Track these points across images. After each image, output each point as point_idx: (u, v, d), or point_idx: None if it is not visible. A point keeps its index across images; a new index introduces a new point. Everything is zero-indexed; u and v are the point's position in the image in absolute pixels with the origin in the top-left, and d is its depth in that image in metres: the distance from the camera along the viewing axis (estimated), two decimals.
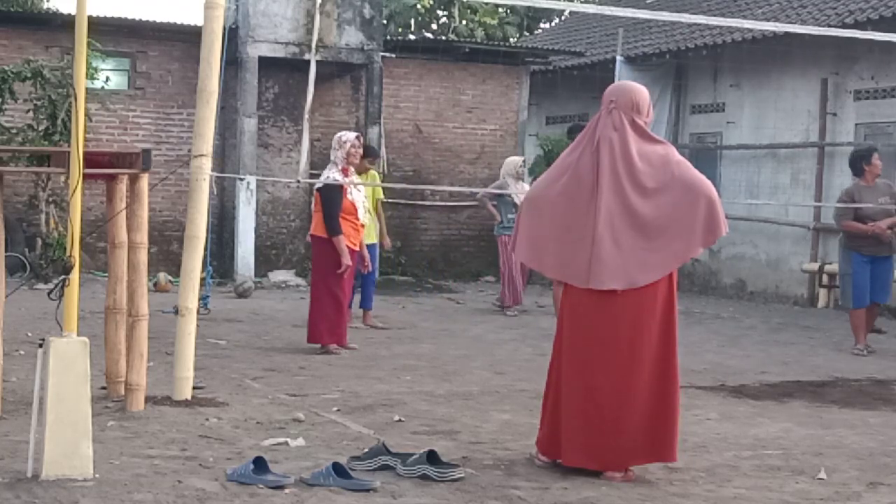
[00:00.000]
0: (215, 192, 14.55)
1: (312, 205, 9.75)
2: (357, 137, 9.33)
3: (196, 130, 6.70)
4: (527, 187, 11.67)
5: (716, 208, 5.03)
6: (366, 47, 16.37)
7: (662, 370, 5.06)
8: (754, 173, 15.94)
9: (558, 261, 5.19)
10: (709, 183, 5.13)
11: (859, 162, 10.43)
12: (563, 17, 27.99)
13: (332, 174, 9.16)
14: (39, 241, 14.64)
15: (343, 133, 9.49)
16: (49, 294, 5.06)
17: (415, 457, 5.01)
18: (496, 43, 23.17)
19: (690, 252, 5.09)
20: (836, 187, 14.47)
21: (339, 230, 8.98)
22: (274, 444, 5.55)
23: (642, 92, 5.25)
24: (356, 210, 9.16)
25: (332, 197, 9.05)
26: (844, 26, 13.70)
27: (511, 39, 28.33)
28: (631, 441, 5.02)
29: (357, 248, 9.30)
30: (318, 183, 9.29)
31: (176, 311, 6.71)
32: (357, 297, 10.72)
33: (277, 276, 15.90)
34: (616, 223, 5.01)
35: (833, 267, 14.29)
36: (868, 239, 10.22)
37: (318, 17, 15.88)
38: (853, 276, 10.35)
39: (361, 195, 9.37)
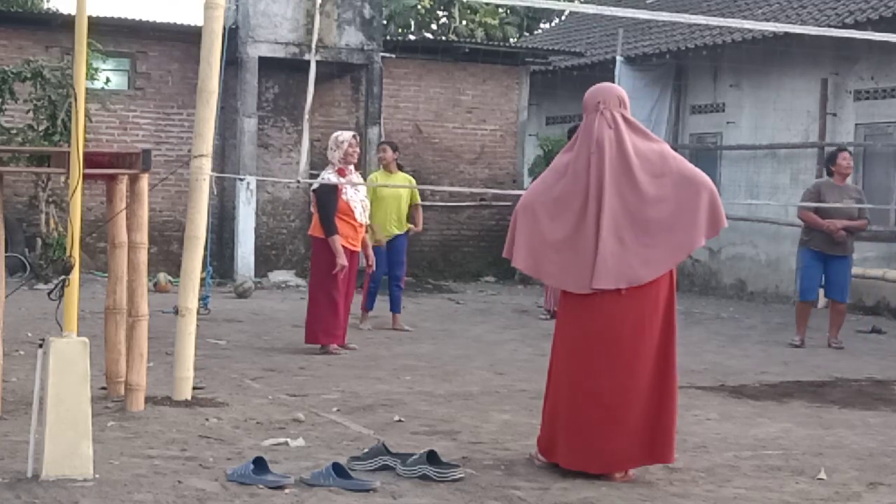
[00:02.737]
0: (215, 192, 14.56)
1: (312, 205, 9.77)
2: (354, 136, 9.32)
3: (196, 130, 6.70)
4: None
5: (717, 200, 5.05)
6: (366, 47, 16.38)
7: (662, 371, 5.06)
8: (754, 173, 15.94)
9: (558, 268, 5.15)
10: (707, 176, 5.14)
11: (828, 162, 10.72)
12: (563, 18, 27.98)
13: (327, 175, 9.16)
14: (39, 241, 14.64)
15: (339, 133, 9.46)
16: (49, 294, 5.05)
17: (415, 457, 5.01)
18: (496, 43, 23.18)
19: (694, 243, 5.05)
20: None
21: (335, 231, 8.98)
22: (274, 444, 5.55)
23: (621, 89, 5.34)
24: (352, 211, 9.15)
25: (326, 198, 9.05)
26: (844, 26, 13.71)
27: (511, 39, 28.33)
28: (630, 443, 5.01)
29: (357, 249, 9.30)
30: (315, 184, 9.29)
31: (176, 311, 6.71)
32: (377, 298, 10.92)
33: (277, 276, 15.91)
34: (619, 222, 5.00)
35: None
36: (821, 235, 10.37)
37: (318, 17, 15.89)
38: (802, 271, 10.65)
39: (359, 195, 9.34)
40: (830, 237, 10.36)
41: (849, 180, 10.79)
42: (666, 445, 5.07)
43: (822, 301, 14.07)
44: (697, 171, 5.13)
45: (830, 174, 10.64)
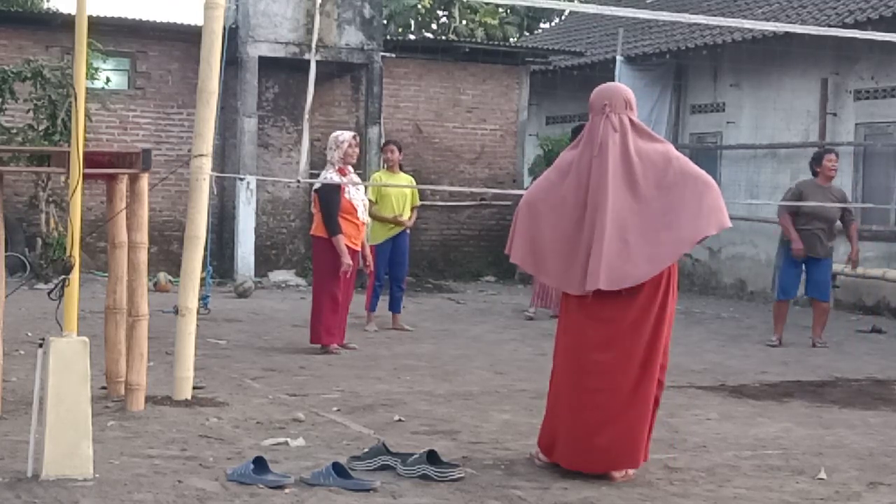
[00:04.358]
0: (215, 192, 14.55)
1: (313, 205, 9.78)
2: (354, 136, 9.34)
3: (196, 130, 6.70)
4: None
5: (720, 200, 5.04)
6: (366, 47, 16.38)
7: (644, 373, 5.03)
8: (754, 173, 15.93)
9: (556, 267, 5.15)
10: (711, 177, 5.16)
11: (813, 163, 10.72)
12: (563, 17, 27.99)
13: (329, 175, 9.17)
14: (39, 241, 14.64)
15: (339, 133, 9.48)
16: (49, 294, 5.06)
17: (415, 457, 5.01)
18: (496, 43, 23.18)
19: (696, 236, 5.03)
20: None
21: (339, 230, 8.99)
22: (274, 444, 5.55)
23: (629, 90, 5.32)
24: (355, 209, 9.18)
25: (330, 198, 9.06)
26: (844, 26, 13.70)
27: (511, 39, 28.32)
28: (624, 443, 5.00)
29: (358, 248, 9.31)
30: (316, 184, 9.30)
31: (176, 311, 6.71)
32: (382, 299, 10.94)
33: (277, 276, 15.91)
34: (621, 223, 4.99)
35: (833, 267, 14.30)
36: (804, 238, 10.38)
37: (318, 17, 15.89)
38: (781, 270, 10.71)
39: (360, 194, 9.38)
40: (811, 239, 10.39)
41: (836, 181, 10.84)
42: (641, 449, 5.04)
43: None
44: (701, 171, 5.14)
45: (815, 174, 10.65)
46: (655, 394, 5.12)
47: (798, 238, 10.37)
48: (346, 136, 9.29)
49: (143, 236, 6.31)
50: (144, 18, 16.18)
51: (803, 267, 10.57)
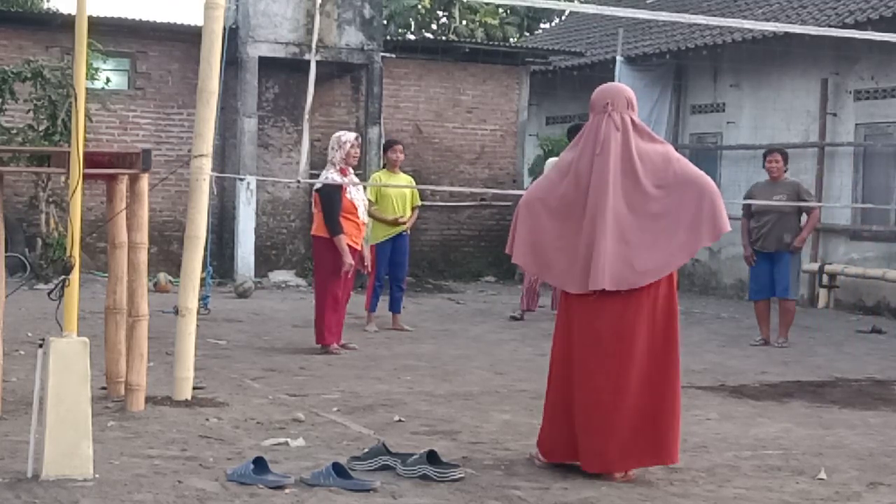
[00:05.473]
0: (215, 192, 14.54)
1: (313, 205, 9.78)
2: (357, 137, 9.36)
3: (196, 130, 6.70)
4: None
5: (719, 203, 5.04)
6: (366, 47, 16.38)
7: (662, 371, 5.04)
8: (754, 173, 15.87)
9: (557, 267, 5.16)
10: (710, 179, 5.15)
11: (763, 163, 11.01)
12: (563, 17, 27.98)
13: (330, 175, 9.17)
14: (39, 241, 14.64)
15: (342, 133, 9.49)
16: (49, 294, 5.06)
17: (415, 457, 5.01)
18: (496, 43, 23.18)
19: (697, 244, 5.05)
20: (837, 187, 14.50)
21: (340, 230, 9.00)
22: (274, 444, 5.55)
23: (630, 90, 5.32)
24: (356, 209, 9.19)
25: (331, 197, 9.07)
26: (844, 26, 13.70)
27: (511, 39, 28.33)
28: (629, 442, 5.01)
29: (359, 248, 9.32)
30: (317, 184, 9.30)
31: (176, 311, 6.72)
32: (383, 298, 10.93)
33: (277, 276, 15.91)
34: (621, 223, 5.00)
35: (833, 267, 14.32)
36: (754, 235, 10.71)
37: (318, 17, 15.89)
38: (749, 270, 10.96)
39: (361, 194, 9.39)
40: (765, 236, 10.61)
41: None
42: (669, 446, 5.06)
43: (823, 302, 14.09)
44: (701, 173, 5.14)
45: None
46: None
47: (747, 245, 10.71)
48: (349, 136, 9.30)
49: (143, 236, 6.31)
50: (144, 18, 16.18)
51: (770, 265, 10.63)
